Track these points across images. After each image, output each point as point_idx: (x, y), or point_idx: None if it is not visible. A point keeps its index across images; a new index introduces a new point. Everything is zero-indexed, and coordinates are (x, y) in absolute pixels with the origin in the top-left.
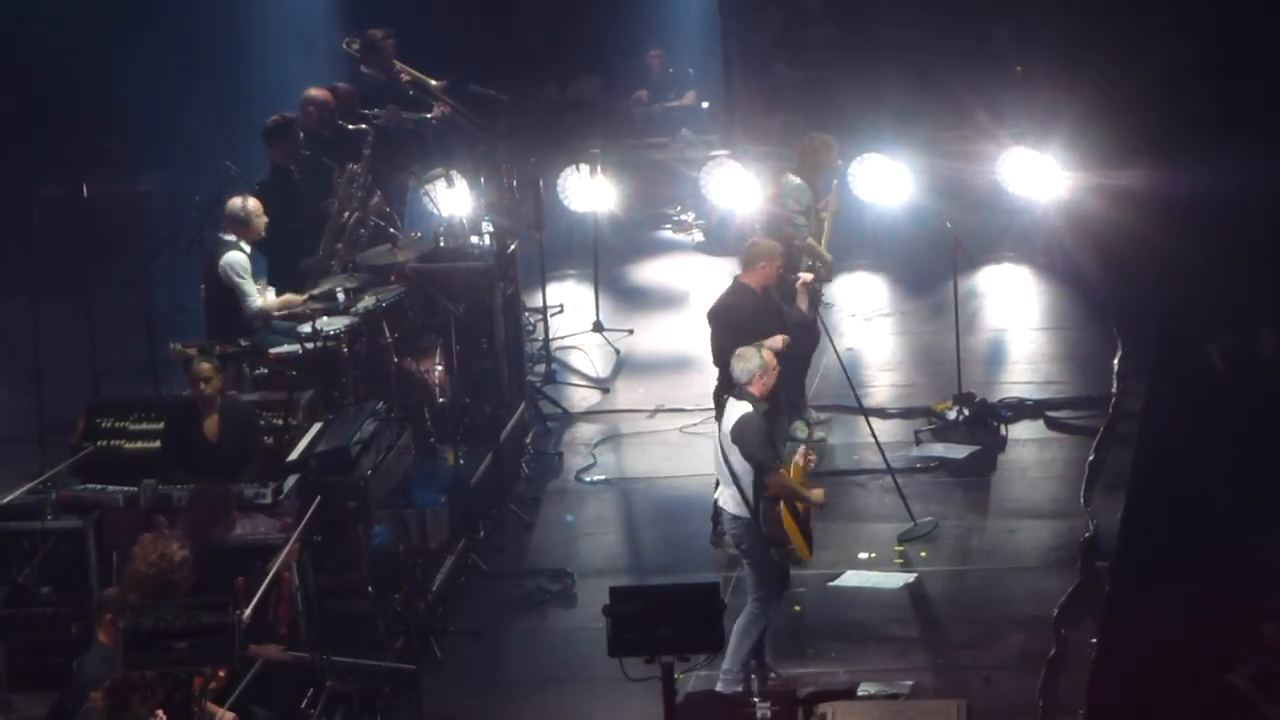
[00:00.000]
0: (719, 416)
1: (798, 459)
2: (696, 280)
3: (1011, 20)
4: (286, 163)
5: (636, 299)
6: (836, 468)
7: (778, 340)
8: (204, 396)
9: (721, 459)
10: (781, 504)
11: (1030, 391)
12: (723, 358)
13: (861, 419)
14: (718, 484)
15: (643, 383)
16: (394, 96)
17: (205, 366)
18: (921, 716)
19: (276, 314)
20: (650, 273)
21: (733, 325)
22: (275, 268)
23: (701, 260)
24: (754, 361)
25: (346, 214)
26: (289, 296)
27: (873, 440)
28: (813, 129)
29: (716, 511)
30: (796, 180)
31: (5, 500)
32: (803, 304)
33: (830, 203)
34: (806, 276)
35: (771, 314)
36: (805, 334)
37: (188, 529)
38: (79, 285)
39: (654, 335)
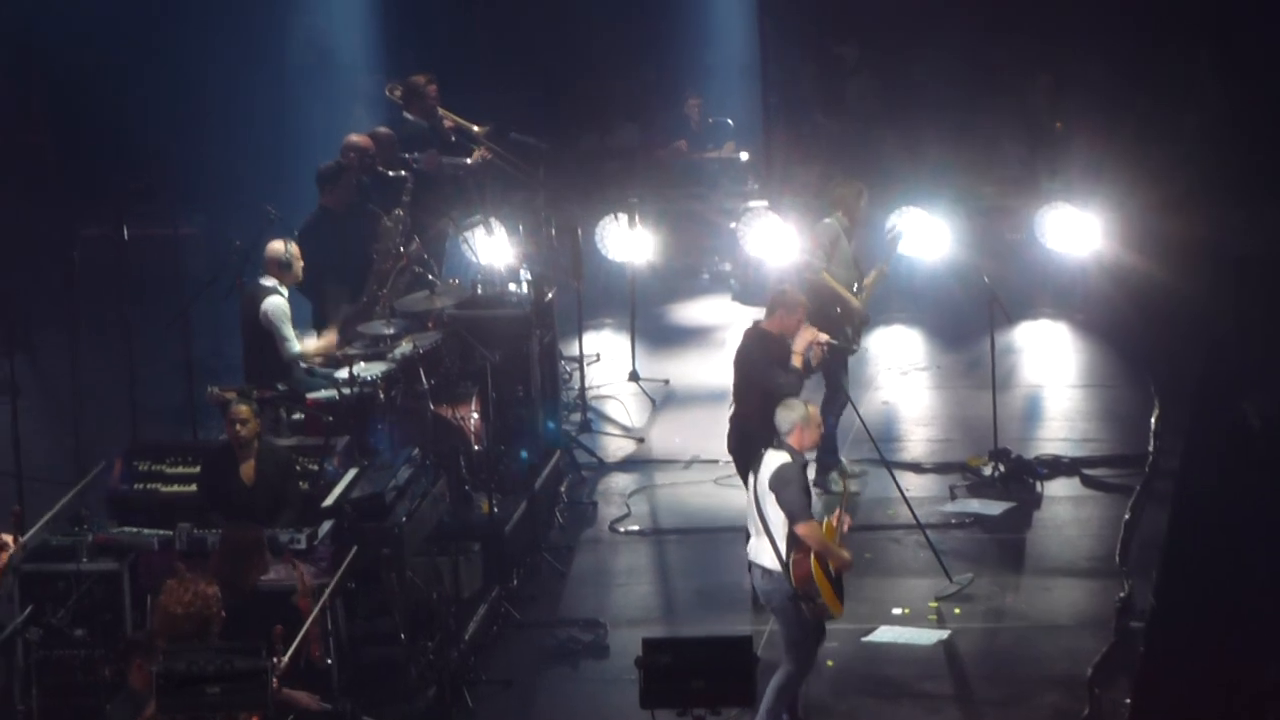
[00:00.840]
0: (741, 468)
1: (831, 519)
2: (733, 331)
3: (1051, 76)
4: (336, 208)
5: (673, 349)
6: (872, 522)
7: (806, 337)
8: (240, 439)
9: (755, 510)
10: (813, 556)
11: (1066, 448)
12: (736, 400)
13: (895, 473)
14: (748, 539)
15: (678, 433)
16: (436, 143)
17: (243, 409)
18: None
19: (315, 360)
20: (687, 323)
21: (740, 369)
22: (318, 312)
23: (738, 311)
24: (796, 413)
25: (390, 260)
26: (328, 339)
27: (906, 495)
28: (850, 180)
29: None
30: (826, 220)
31: (24, 537)
32: (813, 359)
33: (882, 269)
34: (822, 336)
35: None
36: (834, 395)
37: (219, 573)
38: (118, 327)
39: (690, 385)
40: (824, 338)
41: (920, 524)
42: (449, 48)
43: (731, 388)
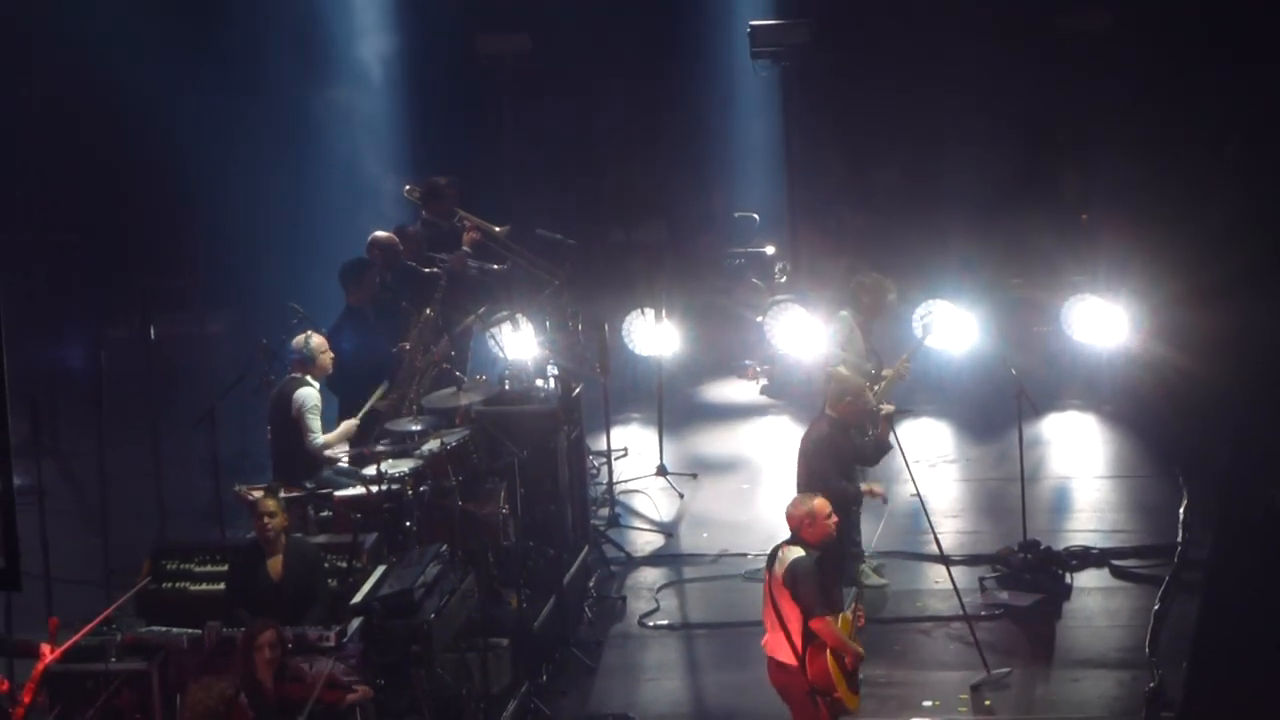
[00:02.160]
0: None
1: (847, 613)
2: (761, 425)
3: (1077, 168)
4: (362, 305)
5: (701, 443)
6: (901, 614)
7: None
8: (268, 533)
9: (771, 604)
10: (828, 651)
11: (1095, 539)
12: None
13: (924, 564)
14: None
15: (706, 527)
16: (456, 243)
17: (270, 502)
18: None
19: (337, 448)
20: (714, 417)
21: (820, 458)
22: (345, 410)
23: (766, 405)
24: (804, 507)
25: (421, 356)
26: (346, 425)
27: (935, 586)
28: (875, 276)
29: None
30: (842, 313)
31: (67, 644)
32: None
33: (902, 366)
34: (888, 407)
35: (849, 448)
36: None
37: (238, 669)
38: (146, 426)
39: (718, 479)
40: (889, 408)
41: (967, 614)
42: (475, 144)
43: (800, 481)
